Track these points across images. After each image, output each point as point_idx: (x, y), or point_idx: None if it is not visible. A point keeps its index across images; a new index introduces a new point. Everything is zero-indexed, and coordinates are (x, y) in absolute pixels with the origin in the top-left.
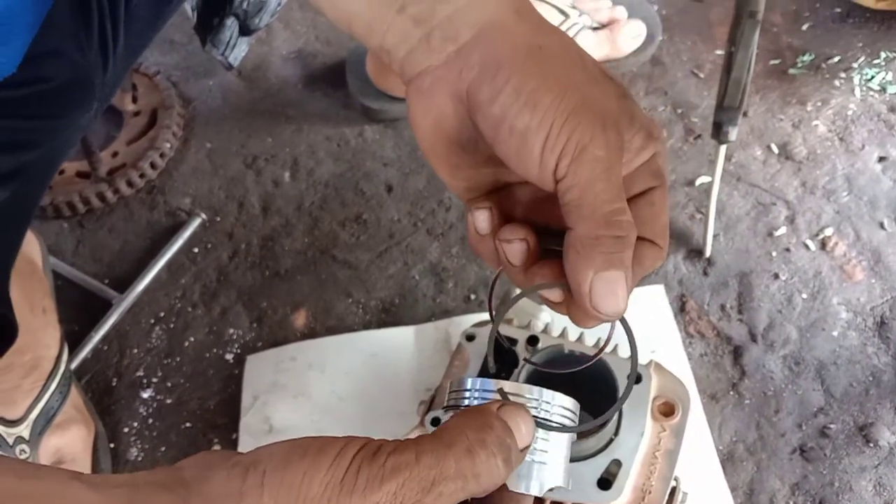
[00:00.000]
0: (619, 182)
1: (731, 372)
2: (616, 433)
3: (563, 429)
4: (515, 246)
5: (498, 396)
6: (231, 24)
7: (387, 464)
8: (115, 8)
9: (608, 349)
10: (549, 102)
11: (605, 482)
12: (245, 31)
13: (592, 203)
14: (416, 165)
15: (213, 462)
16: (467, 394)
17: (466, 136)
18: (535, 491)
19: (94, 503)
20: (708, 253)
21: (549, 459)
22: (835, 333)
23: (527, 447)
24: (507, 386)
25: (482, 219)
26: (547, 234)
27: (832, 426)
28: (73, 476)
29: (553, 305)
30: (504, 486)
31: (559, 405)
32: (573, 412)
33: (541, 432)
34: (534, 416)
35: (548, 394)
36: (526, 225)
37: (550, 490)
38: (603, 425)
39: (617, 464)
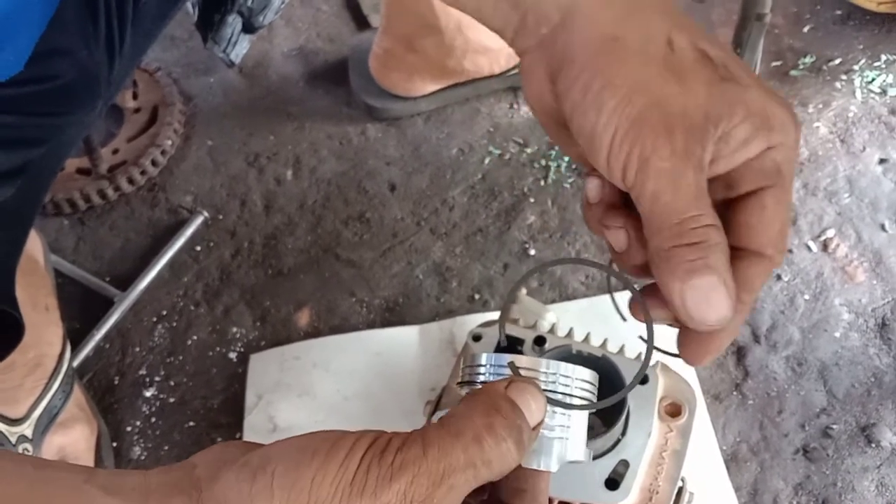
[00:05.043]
0: (691, 189)
1: (734, 373)
2: (623, 434)
3: (574, 406)
4: (614, 233)
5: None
6: (232, 21)
7: (395, 461)
8: (123, 6)
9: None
10: (614, 106)
11: (612, 483)
12: (249, 28)
13: (660, 215)
14: (420, 164)
15: (225, 459)
16: (482, 370)
17: (565, 118)
18: (552, 467)
19: None
20: None
21: (566, 434)
22: (837, 334)
23: (539, 424)
24: (521, 360)
25: (591, 187)
26: None
27: (835, 427)
28: (86, 478)
29: (671, 323)
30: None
31: (577, 378)
32: (592, 384)
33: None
34: (549, 392)
35: (564, 367)
36: (629, 214)
37: (570, 463)
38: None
39: (624, 464)
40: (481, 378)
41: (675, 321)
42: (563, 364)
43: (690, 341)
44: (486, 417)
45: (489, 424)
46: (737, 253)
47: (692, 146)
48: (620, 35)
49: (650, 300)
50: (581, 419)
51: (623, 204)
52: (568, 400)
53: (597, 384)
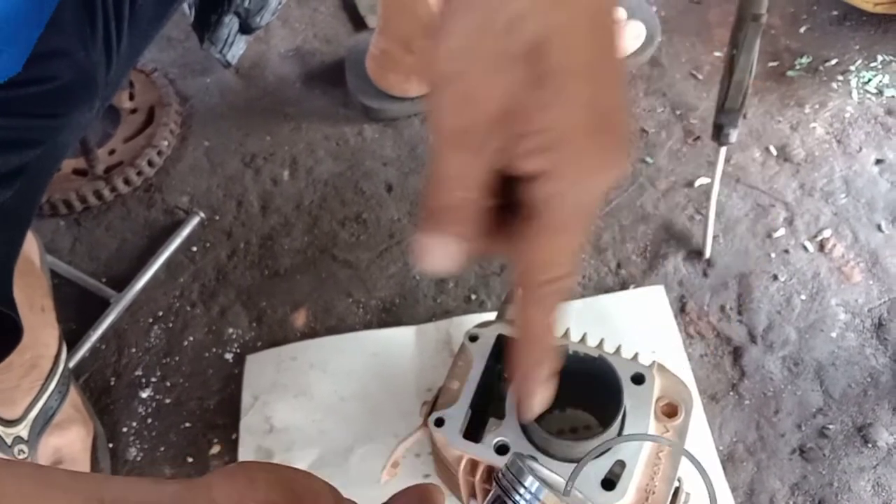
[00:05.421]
0: (452, 170)
1: (730, 373)
2: (619, 434)
3: None
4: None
5: None
6: (229, 22)
7: None
8: (120, 7)
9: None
10: (437, 55)
11: (608, 483)
12: (246, 29)
13: (430, 175)
14: (416, 165)
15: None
16: (522, 490)
17: None
18: None
19: None
20: (708, 254)
21: None
22: (833, 335)
23: None
24: None
25: None
26: None
27: (831, 427)
28: None
29: None
30: None
31: None
32: None
33: None
34: None
35: None
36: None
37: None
38: (612, 411)
39: (621, 465)
40: (516, 497)
41: None
42: None
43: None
44: None
45: None
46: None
47: (473, 130)
48: None
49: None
50: None
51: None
52: None
53: None
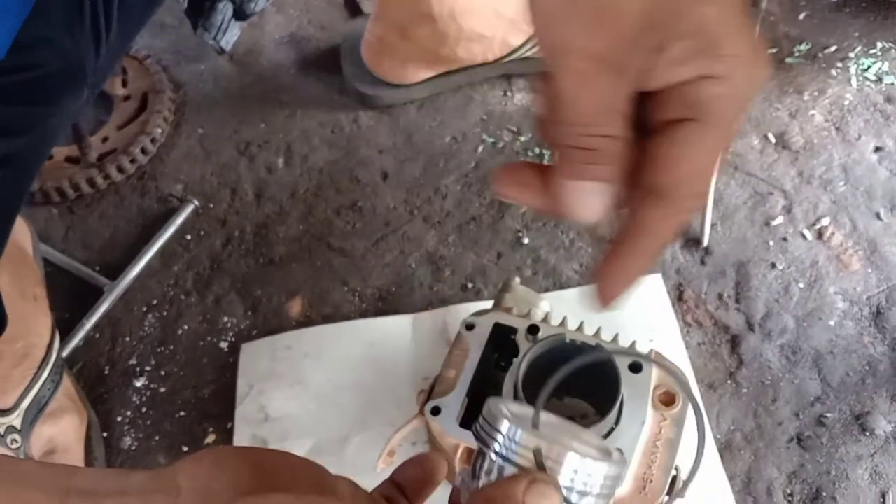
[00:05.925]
0: (599, 96)
1: (728, 361)
2: (617, 423)
3: None
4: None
5: (530, 455)
6: (223, 8)
7: None
8: None
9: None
10: None
11: None
12: (240, 15)
13: (562, 111)
14: (412, 152)
15: (209, 499)
16: (499, 437)
17: None
18: None
19: None
20: (705, 242)
21: None
22: (831, 323)
23: None
24: (546, 448)
25: None
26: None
27: (829, 415)
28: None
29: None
30: None
31: (601, 475)
32: (616, 479)
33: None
34: (567, 488)
35: (590, 465)
36: None
37: None
38: (609, 400)
39: (618, 453)
40: (496, 447)
41: (543, 208)
42: (590, 461)
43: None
44: None
45: None
46: (646, 188)
47: (616, 50)
48: None
49: (516, 177)
50: None
51: None
52: (585, 499)
53: (621, 479)
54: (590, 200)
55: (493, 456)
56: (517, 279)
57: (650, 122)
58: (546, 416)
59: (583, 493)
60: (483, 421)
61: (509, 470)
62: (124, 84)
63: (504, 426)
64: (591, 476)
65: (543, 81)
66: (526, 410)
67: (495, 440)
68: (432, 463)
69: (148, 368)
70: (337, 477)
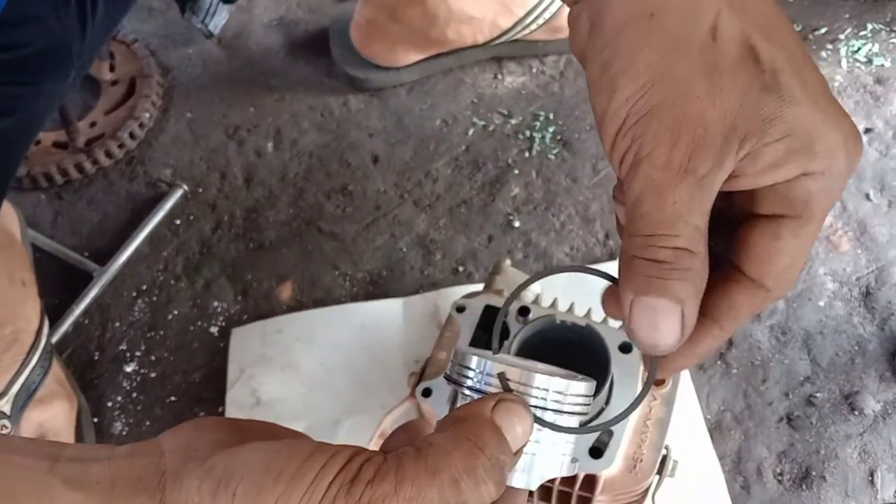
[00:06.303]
0: (676, 207)
1: None
2: (607, 403)
3: (562, 429)
4: (619, 208)
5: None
6: None
7: (363, 497)
8: None
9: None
10: (629, 94)
11: (596, 451)
12: None
13: (635, 222)
14: (403, 136)
15: (194, 449)
16: (470, 374)
17: None
18: (532, 485)
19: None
20: None
21: (551, 450)
22: (821, 303)
23: (523, 447)
24: (512, 373)
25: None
26: None
27: (818, 395)
28: (49, 467)
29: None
30: None
31: (571, 394)
32: (587, 397)
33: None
34: (538, 408)
35: (557, 382)
36: None
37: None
38: (599, 380)
39: (608, 433)
40: (468, 382)
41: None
42: (556, 379)
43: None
44: (469, 458)
45: (471, 466)
46: (736, 275)
47: (697, 161)
48: (658, 11)
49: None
50: (569, 437)
51: None
52: (559, 418)
53: (592, 394)
54: (662, 322)
55: (467, 391)
56: (508, 261)
57: (735, 212)
58: (517, 359)
59: (558, 412)
60: (453, 364)
61: None
62: (112, 69)
63: (473, 361)
64: (562, 394)
65: (619, 191)
66: (497, 355)
67: (467, 377)
68: (418, 429)
69: (138, 354)
70: (319, 443)
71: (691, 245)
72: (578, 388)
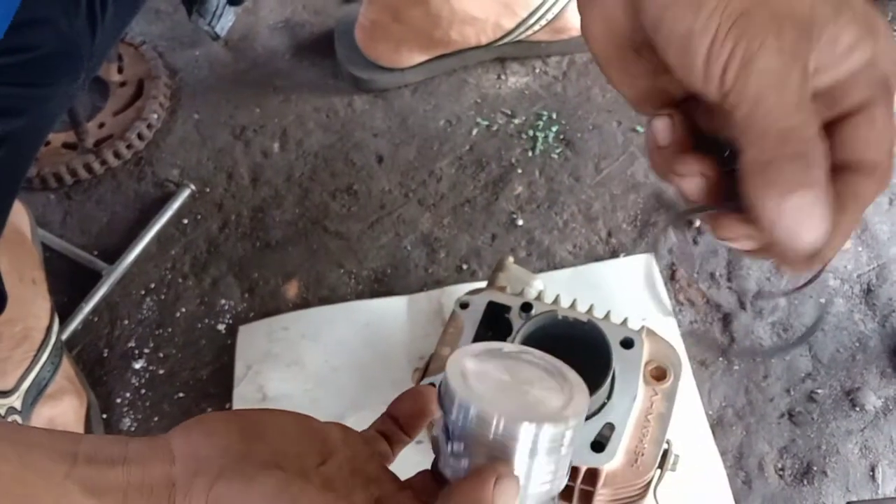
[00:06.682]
0: (797, 93)
1: (720, 338)
2: (609, 397)
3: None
4: (689, 181)
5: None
6: None
7: None
8: None
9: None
10: (716, 4)
11: (598, 445)
12: (234, 1)
13: (763, 120)
14: (407, 136)
15: (200, 465)
16: (453, 416)
17: (640, 40)
18: None
19: None
20: (697, 222)
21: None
22: (822, 300)
23: None
24: (497, 424)
25: (661, 128)
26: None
27: (819, 391)
28: (68, 470)
29: (749, 253)
30: None
31: (560, 434)
32: (574, 428)
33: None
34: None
35: (547, 430)
36: (704, 157)
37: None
38: (601, 374)
39: (610, 427)
40: (451, 424)
41: (757, 247)
42: (547, 427)
43: (774, 251)
44: None
45: None
46: (842, 170)
47: (801, 46)
48: None
49: (728, 219)
50: (552, 465)
51: (695, 147)
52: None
53: (582, 416)
54: (812, 218)
55: (451, 428)
56: (511, 258)
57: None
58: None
59: (552, 451)
60: (441, 389)
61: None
62: (120, 70)
63: (456, 404)
64: (551, 439)
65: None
66: (486, 366)
67: (451, 414)
68: (424, 396)
69: (146, 351)
70: (326, 423)
71: (817, 130)
72: (566, 429)
